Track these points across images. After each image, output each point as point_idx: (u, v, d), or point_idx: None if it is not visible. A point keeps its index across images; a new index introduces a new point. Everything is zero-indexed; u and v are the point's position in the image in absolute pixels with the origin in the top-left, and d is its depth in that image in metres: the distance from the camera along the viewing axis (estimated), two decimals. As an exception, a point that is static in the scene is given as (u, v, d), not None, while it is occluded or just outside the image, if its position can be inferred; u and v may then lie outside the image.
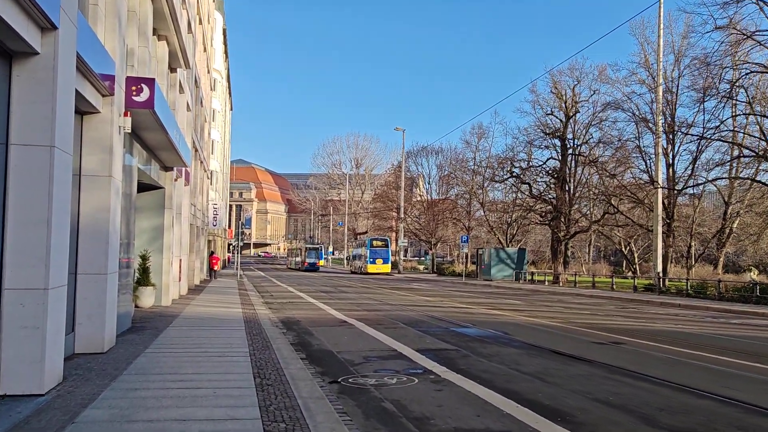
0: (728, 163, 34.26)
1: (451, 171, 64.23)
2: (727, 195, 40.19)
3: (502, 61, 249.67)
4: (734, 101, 29.62)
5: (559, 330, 14.58)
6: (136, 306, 16.68)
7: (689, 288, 28.02)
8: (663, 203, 32.38)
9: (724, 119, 30.78)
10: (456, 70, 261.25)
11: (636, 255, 56.07)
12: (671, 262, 51.06)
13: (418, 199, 76.31)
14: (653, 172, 32.71)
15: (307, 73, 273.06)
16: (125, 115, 9.90)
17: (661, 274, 31.11)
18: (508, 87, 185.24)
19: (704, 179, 34.34)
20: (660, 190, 31.30)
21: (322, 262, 76.81)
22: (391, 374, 8.69)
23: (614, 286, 33.68)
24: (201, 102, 32.13)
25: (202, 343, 10.65)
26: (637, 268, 52.26)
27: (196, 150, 29.65)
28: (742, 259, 57.96)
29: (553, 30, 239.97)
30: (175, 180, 18.99)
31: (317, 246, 75.30)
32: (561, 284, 40.20)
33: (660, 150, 31.83)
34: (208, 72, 38.69)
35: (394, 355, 10.43)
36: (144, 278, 16.89)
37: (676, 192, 35.29)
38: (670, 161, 35.57)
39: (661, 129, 31.99)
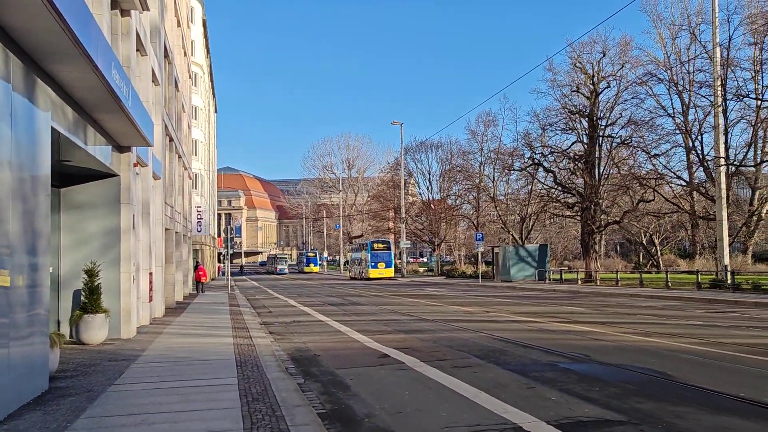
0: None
1: (454, 165, 59.14)
2: (753, 179, 36.07)
3: (507, 43, 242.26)
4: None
5: (726, 360, 9.36)
6: (81, 343, 11.67)
7: (775, 283, 23.24)
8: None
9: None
10: (458, 55, 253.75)
11: (658, 247, 51.70)
12: (698, 254, 46.71)
13: (413, 199, 71.36)
14: (710, 149, 27.96)
15: (297, 73, 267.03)
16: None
17: (728, 268, 26.27)
18: (515, 73, 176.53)
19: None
20: (722, 169, 26.50)
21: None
22: None
23: (669, 283, 28.77)
24: (176, 84, 26.99)
25: (155, 433, 5.58)
26: (660, 262, 47.87)
27: (171, 139, 24.54)
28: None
29: (564, 6, 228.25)
30: (135, 165, 13.91)
31: (285, 256, 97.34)
32: (596, 282, 35.31)
33: (719, 122, 26.99)
34: (185, 55, 33.54)
35: (529, 446, 5.42)
36: (91, 302, 11.82)
37: (733, 170, 30.53)
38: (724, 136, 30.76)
39: (720, 97, 27.17)
